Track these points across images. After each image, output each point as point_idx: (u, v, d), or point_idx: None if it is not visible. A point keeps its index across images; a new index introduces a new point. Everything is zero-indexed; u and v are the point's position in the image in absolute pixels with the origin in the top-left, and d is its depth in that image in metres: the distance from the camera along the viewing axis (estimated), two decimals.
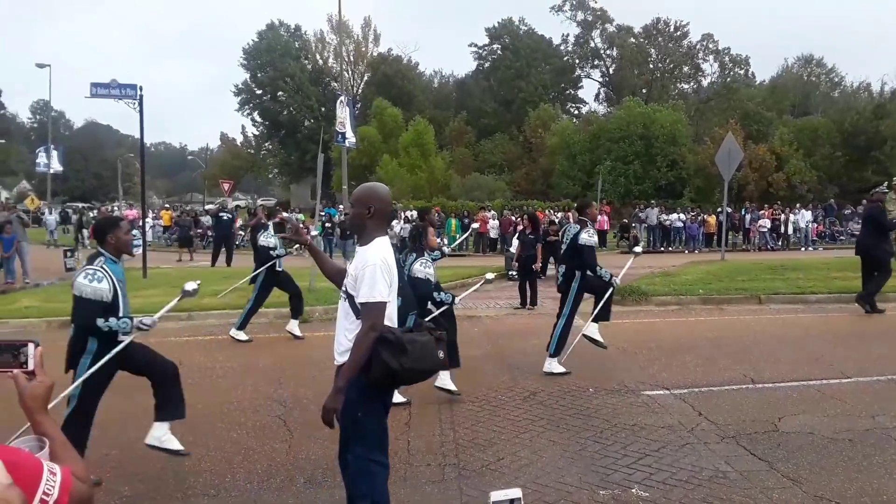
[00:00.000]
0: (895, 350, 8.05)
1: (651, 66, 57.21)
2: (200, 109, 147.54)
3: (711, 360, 7.61)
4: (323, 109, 52.23)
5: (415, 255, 6.11)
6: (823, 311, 11.11)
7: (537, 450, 4.98)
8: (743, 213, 27.44)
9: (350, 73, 55.98)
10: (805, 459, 4.70)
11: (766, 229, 26.31)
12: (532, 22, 58.14)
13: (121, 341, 4.32)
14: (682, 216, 27.49)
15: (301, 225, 6.25)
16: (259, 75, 55.61)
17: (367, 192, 3.30)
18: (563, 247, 7.41)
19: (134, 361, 4.50)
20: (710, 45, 55.92)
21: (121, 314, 4.32)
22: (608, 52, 58.16)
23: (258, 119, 58.30)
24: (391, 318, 3.20)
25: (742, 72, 56.08)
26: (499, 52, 56.89)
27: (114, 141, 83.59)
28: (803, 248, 25.64)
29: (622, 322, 10.38)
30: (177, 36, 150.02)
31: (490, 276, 7.31)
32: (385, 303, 3.11)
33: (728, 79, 54.55)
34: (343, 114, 15.53)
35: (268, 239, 9.15)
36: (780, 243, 26.53)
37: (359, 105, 52.60)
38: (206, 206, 42.05)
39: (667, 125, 38.66)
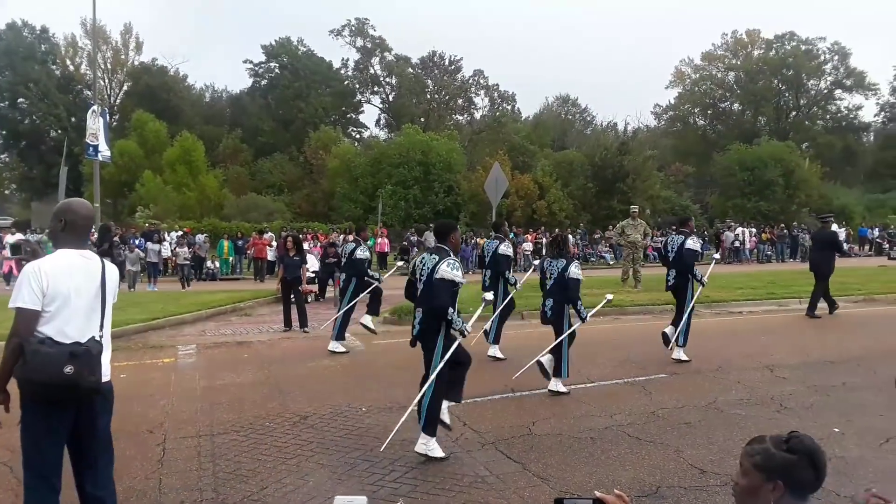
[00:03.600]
0: (630, 355, 9.14)
1: (428, 96, 60.11)
2: None
3: (478, 372, 7.90)
4: (73, 119, 46.82)
5: (564, 260, 7.27)
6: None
7: (304, 474, 4.80)
8: (511, 237, 29.70)
9: (106, 81, 50.93)
10: (554, 458, 5.08)
11: (528, 252, 28.73)
12: (311, 44, 57.94)
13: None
14: None
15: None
16: None
17: (62, 206, 3.41)
18: (671, 255, 8.79)
19: None
20: (482, 81, 60.37)
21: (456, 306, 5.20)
22: (387, 79, 60.00)
23: None
24: (61, 329, 3.13)
25: (509, 107, 61.27)
26: (276, 70, 55.68)
27: None
28: None
29: (398, 341, 10.51)
30: None
31: (609, 297, 7.84)
32: (29, 310, 3.08)
33: (497, 113, 59.15)
34: (96, 125, 14.01)
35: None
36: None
37: (116, 116, 48.04)
38: None
39: (443, 153, 40.69)
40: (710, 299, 14.69)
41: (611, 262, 30.12)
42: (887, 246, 33.66)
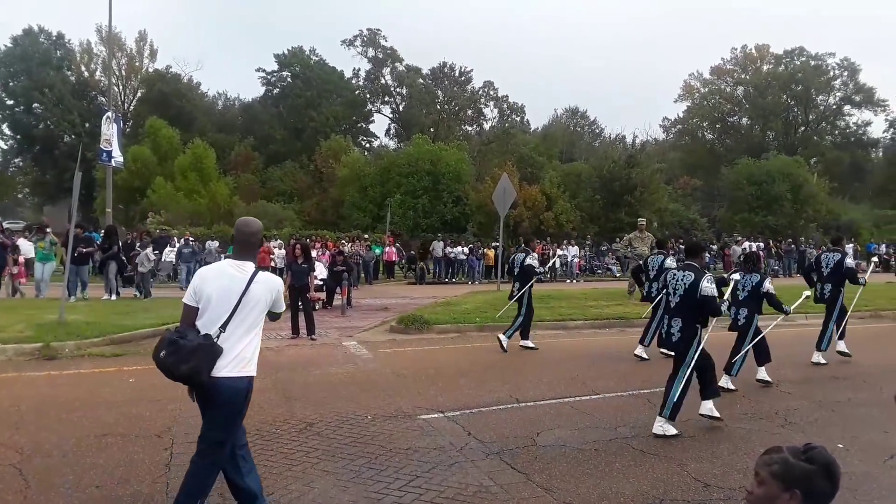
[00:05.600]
0: (637, 368, 9.18)
1: (438, 106, 60.38)
2: None
3: (483, 382, 8.04)
4: (87, 125, 47.30)
5: (758, 275, 8.34)
6: (580, 335, 12.35)
7: (309, 481, 4.84)
8: (518, 247, 29.72)
9: (121, 88, 51.46)
10: (558, 469, 5.11)
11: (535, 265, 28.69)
12: (323, 53, 58.43)
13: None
14: (465, 249, 29.05)
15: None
16: (11, 84, 49.02)
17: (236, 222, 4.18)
18: (826, 270, 9.78)
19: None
20: (491, 92, 60.65)
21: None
22: (398, 89, 60.33)
23: (7, 132, 51.23)
24: (206, 324, 3.75)
25: (518, 119, 61.49)
26: (289, 79, 56.15)
27: None
28: (569, 280, 28.35)
29: (405, 350, 10.62)
30: None
31: (807, 293, 8.92)
32: (186, 305, 3.84)
33: (506, 124, 59.34)
34: (109, 131, 14.21)
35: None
36: (548, 275, 29.08)
37: (129, 123, 48.51)
38: None
39: (452, 163, 40.81)
40: None
41: (617, 275, 30.06)
42: (895, 262, 33.48)
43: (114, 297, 15.53)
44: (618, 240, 32.57)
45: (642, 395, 7.53)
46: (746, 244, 32.09)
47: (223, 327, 3.71)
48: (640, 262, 16.69)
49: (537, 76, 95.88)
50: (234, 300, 3.75)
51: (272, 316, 4.03)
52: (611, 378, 8.43)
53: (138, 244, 15.91)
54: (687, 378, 6.13)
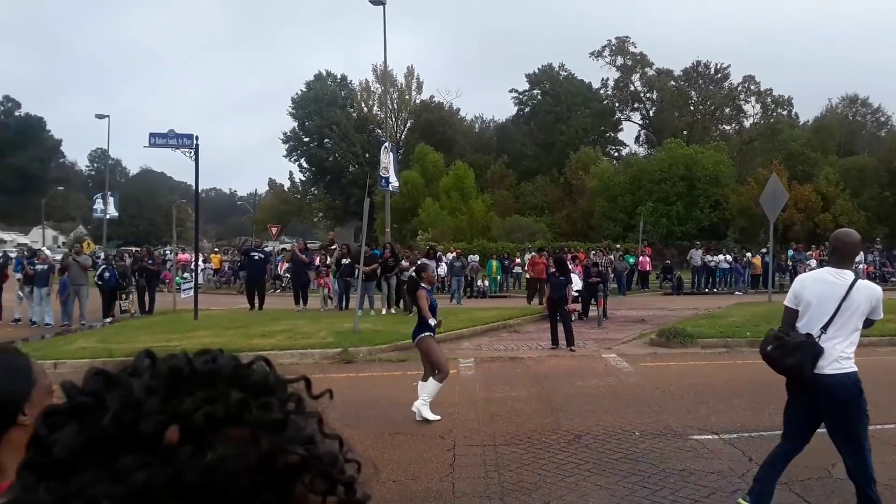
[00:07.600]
0: None
1: (692, 108, 57.13)
2: (249, 156, 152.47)
3: (761, 404, 7.44)
4: (367, 155, 53.48)
5: None
6: (875, 353, 10.73)
7: (584, 494, 4.96)
8: (790, 254, 26.84)
9: (393, 120, 57.26)
10: None
11: (813, 268, 25.62)
12: (571, 67, 58.69)
13: None
14: (728, 257, 27.03)
15: None
16: (306, 123, 57.40)
17: (833, 234, 4.50)
18: None
19: None
20: (752, 87, 55.72)
21: None
22: (648, 95, 58.33)
23: (305, 165, 59.95)
24: (809, 321, 4.10)
25: (785, 112, 55.57)
26: (539, 97, 57.62)
27: (166, 187, 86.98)
28: None
29: (668, 364, 10.29)
30: (224, 87, 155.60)
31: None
32: (786, 307, 4.32)
33: (771, 119, 54.05)
34: (387, 159, 15.98)
35: None
36: None
37: (401, 150, 53.79)
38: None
39: (709, 166, 38.39)
40: None
41: None
42: None
43: (393, 310, 17.21)
44: None
45: None
46: None
47: (824, 329, 4.01)
48: None
49: (805, 65, 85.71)
50: (833, 305, 4.03)
51: (867, 323, 4.14)
52: None
53: (403, 261, 17.32)
54: None
